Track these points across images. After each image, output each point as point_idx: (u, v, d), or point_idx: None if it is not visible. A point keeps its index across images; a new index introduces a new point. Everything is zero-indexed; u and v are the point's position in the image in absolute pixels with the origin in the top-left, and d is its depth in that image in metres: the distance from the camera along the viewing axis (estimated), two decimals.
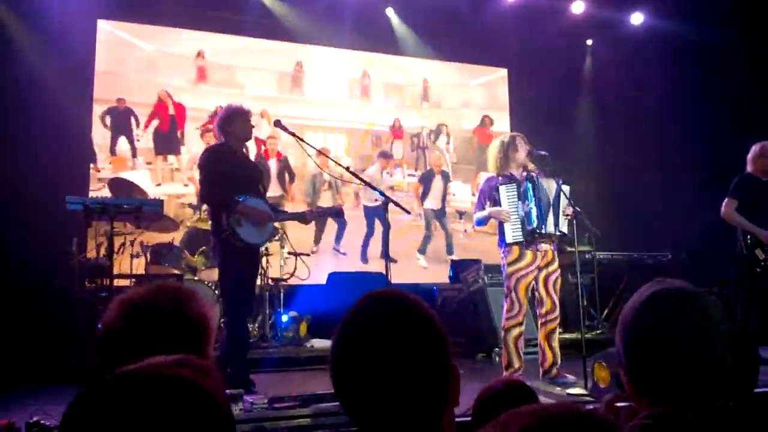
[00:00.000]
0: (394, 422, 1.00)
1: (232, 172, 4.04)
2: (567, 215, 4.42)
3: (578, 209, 4.35)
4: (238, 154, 4.22)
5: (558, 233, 4.42)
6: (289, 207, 6.65)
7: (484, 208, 4.52)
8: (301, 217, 4.39)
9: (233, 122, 4.15)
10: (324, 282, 6.77)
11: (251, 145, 5.88)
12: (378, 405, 1.00)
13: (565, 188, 4.42)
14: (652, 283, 1.21)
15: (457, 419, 1.09)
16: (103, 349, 1.29)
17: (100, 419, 0.75)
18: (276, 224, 4.54)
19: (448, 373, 1.07)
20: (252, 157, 5.85)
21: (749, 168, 5.12)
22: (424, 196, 8.37)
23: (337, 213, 4.53)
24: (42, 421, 2.83)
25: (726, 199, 5.06)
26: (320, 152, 4.89)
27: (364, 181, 4.30)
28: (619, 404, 1.27)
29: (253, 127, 4.33)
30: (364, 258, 7.79)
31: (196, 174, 5.17)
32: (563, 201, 4.43)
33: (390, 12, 8.07)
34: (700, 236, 6.35)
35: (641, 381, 1.14)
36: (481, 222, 4.64)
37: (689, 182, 7.04)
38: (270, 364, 5.14)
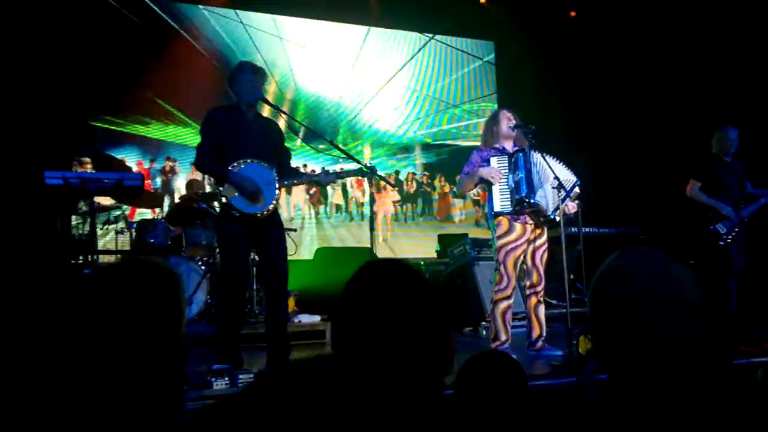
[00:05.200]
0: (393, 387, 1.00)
1: (230, 135, 3.86)
2: (567, 213, 4.35)
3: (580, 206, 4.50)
4: (245, 115, 3.95)
5: (548, 212, 4.33)
6: None
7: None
8: (315, 181, 4.22)
9: (238, 80, 3.94)
10: (311, 257, 6.76)
11: None
12: (379, 368, 1.00)
13: (575, 190, 4.47)
14: (622, 251, 1.17)
15: None
16: None
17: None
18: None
19: (448, 342, 1.07)
20: None
21: (714, 149, 5.47)
22: None
23: (360, 172, 3.98)
24: None
25: (690, 180, 5.43)
26: (306, 126, 4.82)
27: (349, 155, 4.25)
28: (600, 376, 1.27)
29: (259, 87, 3.94)
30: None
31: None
32: (562, 191, 4.23)
33: None
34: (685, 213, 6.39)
35: (605, 351, 1.11)
36: (465, 183, 4.51)
37: (673, 159, 7.04)
38: (257, 340, 5.13)
